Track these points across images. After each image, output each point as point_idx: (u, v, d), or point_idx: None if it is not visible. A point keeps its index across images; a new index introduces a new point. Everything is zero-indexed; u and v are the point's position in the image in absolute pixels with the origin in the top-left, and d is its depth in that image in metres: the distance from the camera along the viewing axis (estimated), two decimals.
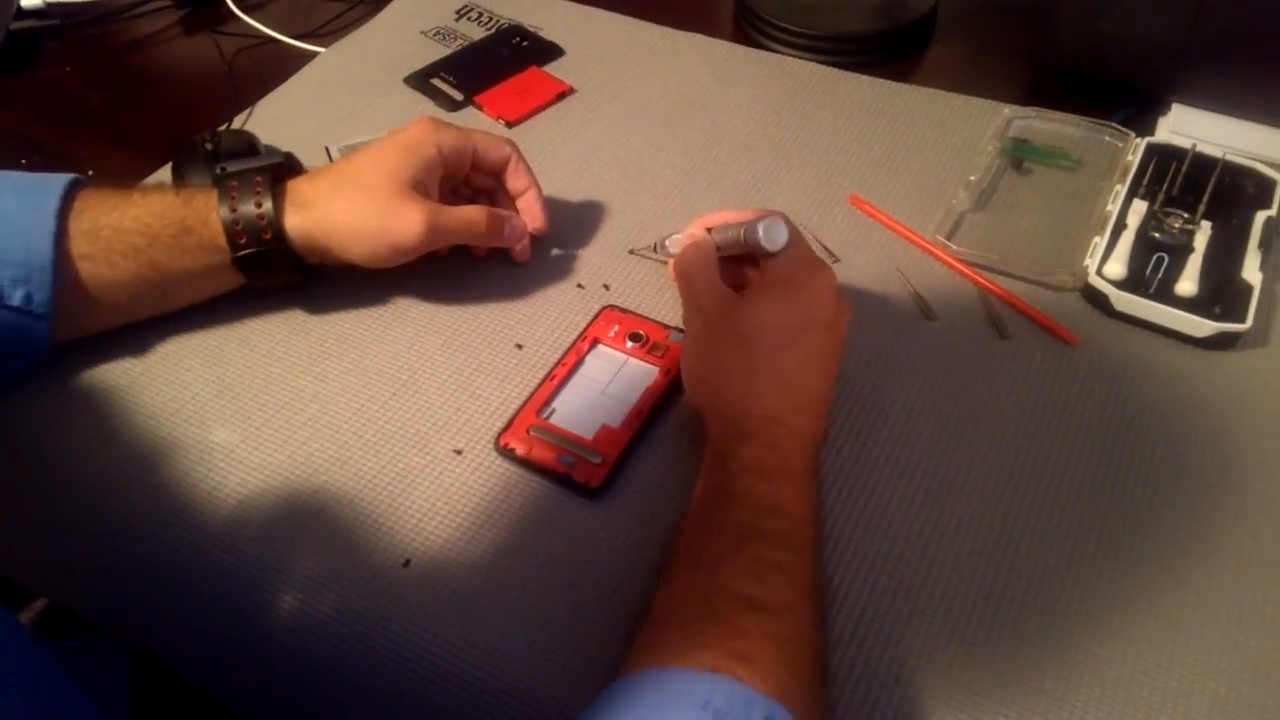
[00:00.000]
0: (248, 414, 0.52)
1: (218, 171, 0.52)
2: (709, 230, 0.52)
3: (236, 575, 0.46)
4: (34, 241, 0.49)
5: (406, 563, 0.46)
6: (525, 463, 0.49)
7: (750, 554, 0.40)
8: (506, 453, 0.49)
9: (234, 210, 0.50)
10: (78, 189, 0.51)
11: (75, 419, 0.52)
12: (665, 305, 0.57)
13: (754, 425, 0.44)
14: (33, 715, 0.39)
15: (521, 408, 0.51)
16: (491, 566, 0.45)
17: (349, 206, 0.51)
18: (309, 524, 0.47)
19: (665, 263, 0.59)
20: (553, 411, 0.51)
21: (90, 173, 0.58)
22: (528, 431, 0.49)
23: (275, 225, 0.50)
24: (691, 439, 0.50)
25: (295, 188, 0.52)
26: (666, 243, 0.57)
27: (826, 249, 0.60)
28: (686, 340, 0.50)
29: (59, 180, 0.51)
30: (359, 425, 0.51)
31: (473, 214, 0.54)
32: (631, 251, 0.59)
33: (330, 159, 0.67)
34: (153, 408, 0.52)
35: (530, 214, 0.58)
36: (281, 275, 0.53)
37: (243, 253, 0.51)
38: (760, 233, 0.48)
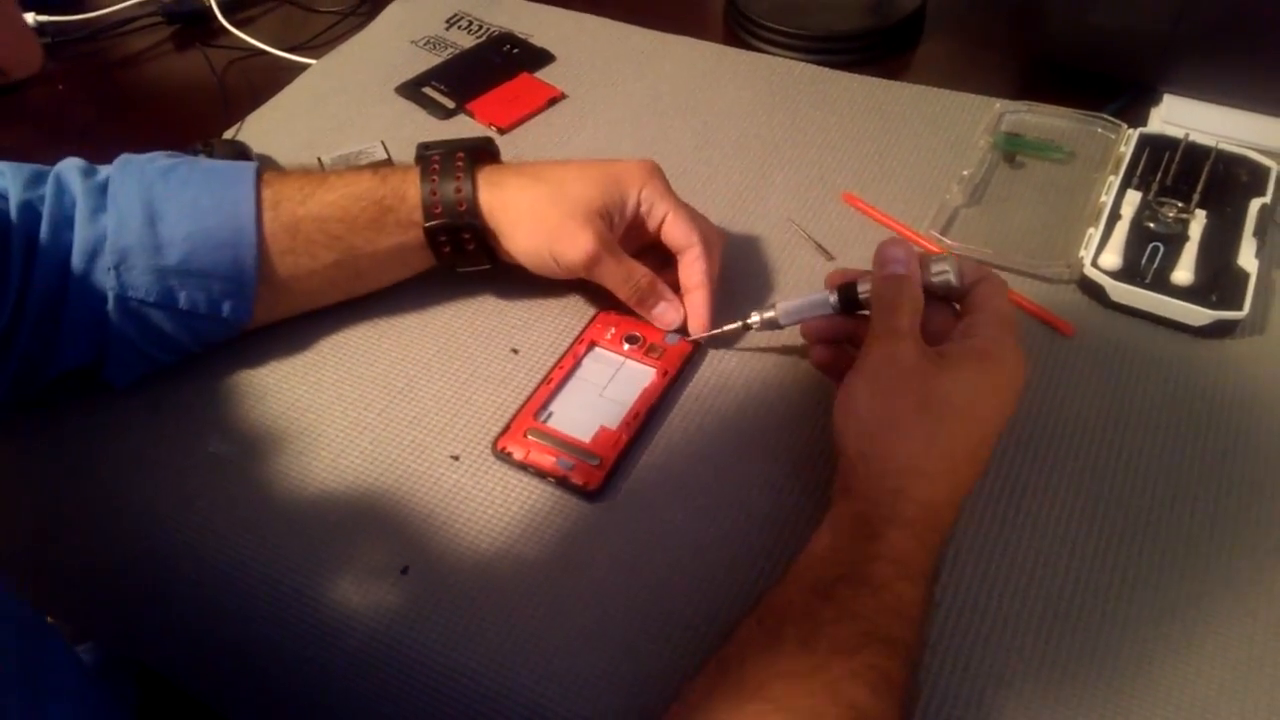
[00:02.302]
0: (244, 424, 0.52)
1: (420, 148, 0.53)
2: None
3: (235, 585, 0.46)
4: (241, 255, 0.49)
5: (405, 569, 0.45)
6: (523, 466, 0.48)
7: (871, 658, 0.36)
8: (504, 457, 0.49)
9: (434, 185, 0.51)
10: (264, 177, 0.51)
11: (72, 439, 0.52)
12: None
13: (911, 511, 0.40)
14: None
15: (518, 411, 0.51)
16: (491, 571, 0.45)
17: (535, 204, 0.51)
18: (306, 533, 0.47)
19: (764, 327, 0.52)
20: (550, 415, 0.51)
21: None
22: (525, 435, 0.49)
23: (471, 200, 0.51)
24: (691, 441, 0.50)
25: (496, 170, 0.52)
26: (775, 312, 0.51)
27: (821, 247, 0.60)
28: (858, 380, 0.44)
29: (246, 173, 0.51)
30: (355, 433, 0.51)
31: (636, 273, 0.52)
32: (747, 326, 0.52)
33: (323, 169, 0.67)
34: (148, 420, 0.52)
35: (692, 312, 0.54)
36: (471, 256, 0.53)
37: (434, 222, 0.51)
38: (950, 275, 0.45)
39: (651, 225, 0.53)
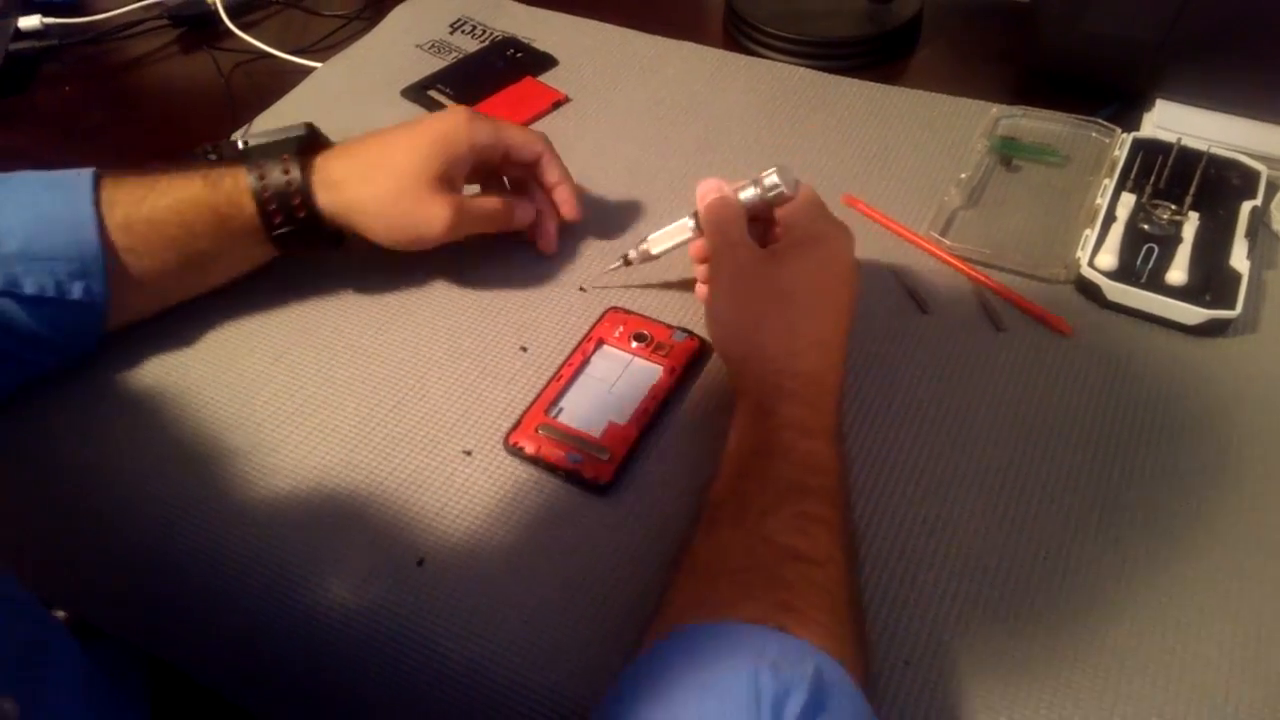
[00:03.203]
0: (258, 420, 0.52)
1: (240, 145, 0.53)
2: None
3: (249, 579, 0.47)
4: (82, 236, 0.50)
5: (420, 561, 0.46)
6: (534, 461, 0.49)
7: (795, 508, 0.41)
8: (516, 451, 0.50)
9: (265, 191, 0.52)
10: (101, 180, 0.52)
11: (82, 431, 0.53)
12: (668, 306, 0.58)
13: (795, 384, 0.45)
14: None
15: (529, 407, 0.51)
16: (504, 563, 0.46)
17: (378, 194, 0.53)
18: (321, 526, 0.48)
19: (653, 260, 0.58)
20: (560, 410, 0.51)
21: None
22: (536, 430, 0.50)
23: (308, 203, 0.52)
24: (698, 436, 0.51)
25: (325, 166, 0.53)
26: (647, 244, 0.57)
27: None
28: (716, 294, 0.50)
29: (83, 174, 0.51)
30: (368, 429, 0.52)
31: (493, 205, 0.57)
32: (627, 261, 0.58)
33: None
34: (162, 416, 0.53)
35: (564, 204, 0.59)
36: (316, 247, 0.55)
37: (279, 230, 0.53)
38: (776, 177, 0.51)
39: (496, 157, 0.56)
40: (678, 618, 0.38)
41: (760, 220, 0.53)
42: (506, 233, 0.59)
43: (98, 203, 0.50)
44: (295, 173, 0.52)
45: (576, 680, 0.42)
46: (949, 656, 0.42)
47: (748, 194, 0.52)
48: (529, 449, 0.49)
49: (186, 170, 0.53)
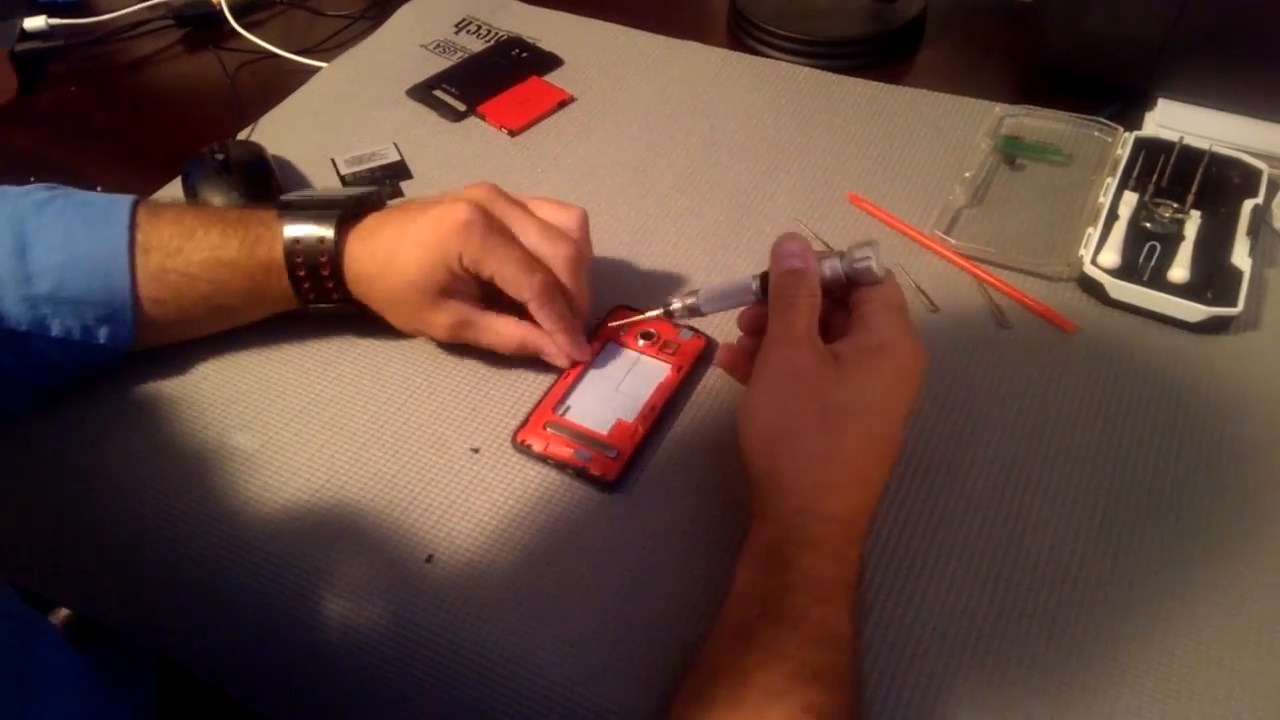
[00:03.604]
0: (266, 419, 0.53)
1: (280, 203, 0.52)
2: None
3: (259, 578, 0.47)
4: (113, 283, 0.49)
5: (429, 558, 0.46)
6: (542, 458, 0.50)
7: (803, 698, 0.35)
8: (524, 449, 0.50)
9: (300, 270, 0.51)
10: (138, 216, 0.51)
11: (93, 432, 0.53)
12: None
13: (823, 529, 0.39)
14: None
15: (537, 405, 0.52)
16: (512, 560, 0.46)
17: (388, 297, 0.52)
18: (330, 524, 0.48)
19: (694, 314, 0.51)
20: (568, 408, 0.52)
21: (99, 188, 0.59)
22: (544, 428, 0.51)
23: (340, 286, 0.51)
24: (705, 433, 0.51)
25: (354, 249, 0.51)
26: (696, 300, 0.50)
27: (827, 245, 0.61)
28: (758, 390, 0.43)
29: (120, 209, 0.51)
30: (376, 427, 0.52)
31: (505, 330, 0.51)
32: (668, 313, 0.51)
33: (336, 170, 0.68)
34: (171, 415, 0.53)
35: (553, 355, 0.52)
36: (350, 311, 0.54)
37: (315, 306, 0.52)
38: (870, 253, 0.43)
39: (487, 279, 0.50)
40: None
41: (829, 298, 0.45)
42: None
43: (132, 245, 0.50)
44: (329, 253, 0.50)
45: (586, 676, 0.42)
46: (955, 648, 0.43)
47: (829, 266, 0.45)
48: (537, 446, 0.50)
49: (223, 219, 0.51)
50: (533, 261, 0.49)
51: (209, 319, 0.53)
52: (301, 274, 0.51)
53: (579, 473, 0.49)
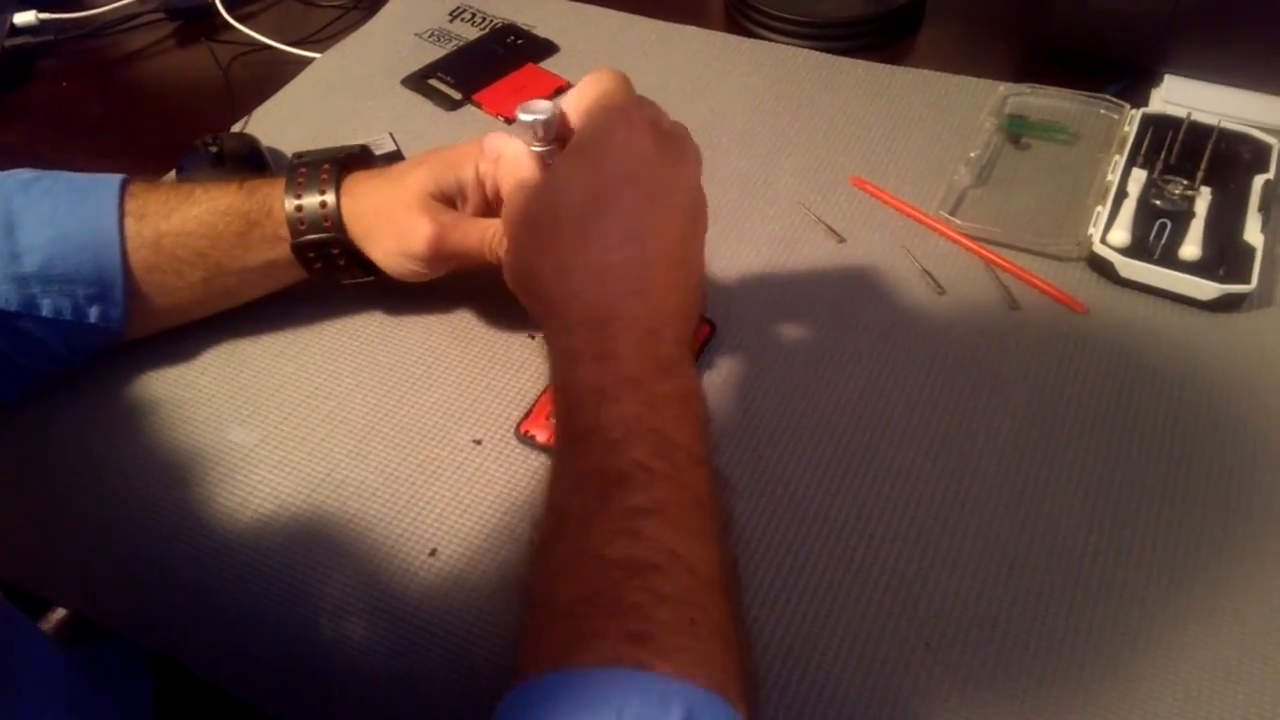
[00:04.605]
0: (264, 413, 0.52)
1: (292, 158, 0.52)
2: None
3: (259, 573, 0.47)
4: (103, 257, 0.48)
5: (433, 552, 0.46)
6: (547, 449, 0.49)
7: (616, 506, 0.34)
8: (527, 440, 0.49)
9: (299, 197, 0.49)
10: (129, 189, 0.50)
11: (89, 428, 0.52)
12: None
13: (577, 336, 0.38)
14: None
15: (541, 394, 0.51)
16: (516, 553, 0.45)
17: (380, 206, 0.49)
18: (331, 519, 0.47)
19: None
20: None
21: None
22: (548, 418, 0.50)
23: (335, 214, 0.49)
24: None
25: (356, 178, 0.50)
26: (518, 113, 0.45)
27: (832, 229, 0.61)
28: (503, 217, 0.44)
29: (110, 184, 0.50)
30: (376, 420, 0.51)
31: (486, 229, 0.48)
32: (529, 436, 0.50)
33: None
34: (169, 410, 0.52)
35: None
36: (344, 270, 0.52)
37: (300, 239, 0.49)
38: (542, 114, 0.42)
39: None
40: (528, 662, 0.32)
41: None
42: None
43: (122, 217, 0.49)
44: (330, 183, 0.49)
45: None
46: (969, 633, 0.42)
47: (520, 133, 0.43)
48: (541, 437, 0.49)
49: (224, 182, 0.51)
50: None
51: (205, 286, 0.51)
52: (298, 199, 0.49)
53: None
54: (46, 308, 0.49)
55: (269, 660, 0.49)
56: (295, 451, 0.50)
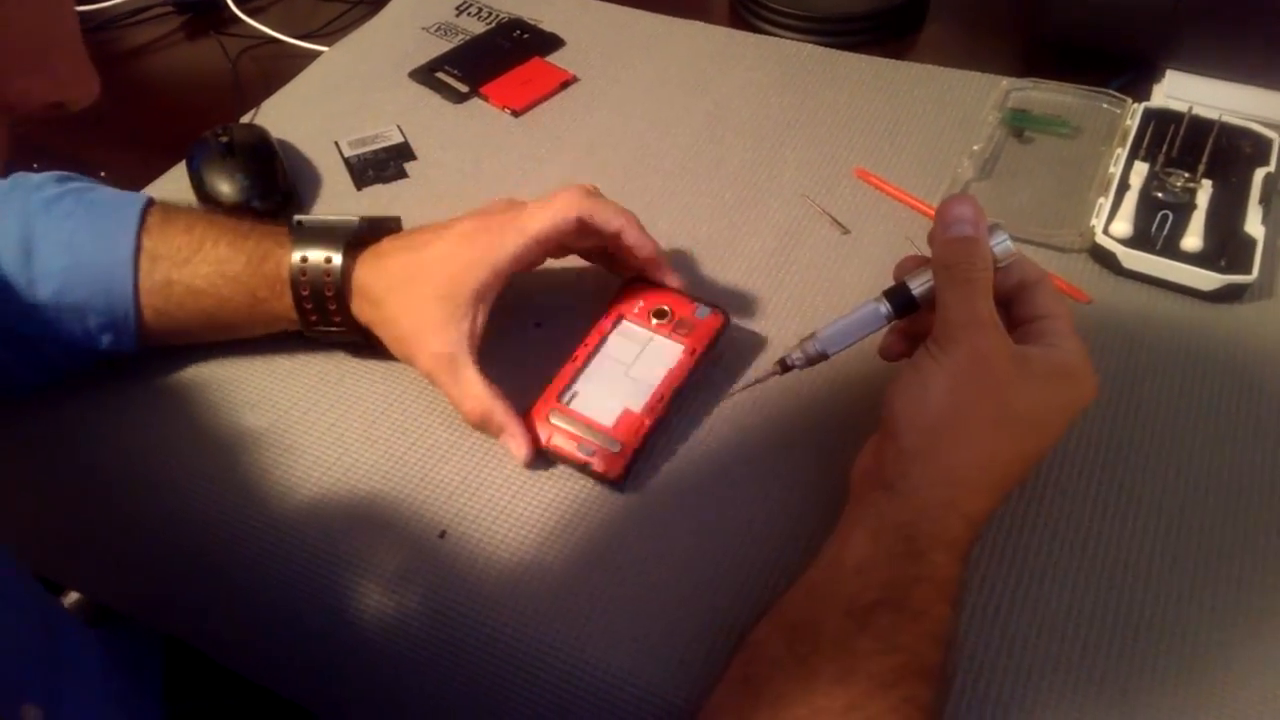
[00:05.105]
0: (276, 398, 0.52)
1: (294, 223, 0.51)
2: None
3: (272, 555, 0.47)
4: (115, 291, 0.49)
5: (442, 534, 0.46)
6: (545, 452, 0.49)
7: (907, 690, 0.35)
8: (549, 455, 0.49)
9: (304, 289, 0.49)
10: (148, 219, 0.50)
11: (103, 415, 0.53)
12: (695, 273, 0.57)
13: (958, 528, 0.38)
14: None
15: (543, 392, 0.50)
16: (524, 535, 0.46)
17: (396, 312, 0.49)
18: (341, 501, 0.48)
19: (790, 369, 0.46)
20: (574, 395, 0.50)
21: (103, 174, 0.59)
22: (548, 418, 0.49)
23: (344, 309, 0.50)
24: (722, 421, 0.51)
25: (362, 276, 0.50)
26: (817, 341, 0.45)
27: (836, 221, 0.61)
28: (942, 364, 0.40)
29: (130, 212, 0.50)
30: (385, 405, 0.52)
31: (478, 391, 0.48)
32: (785, 368, 0.46)
33: (341, 153, 0.68)
34: (181, 397, 0.53)
35: (660, 272, 0.52)
36: (347, 343, 0.53)
37: (315, 330, 0.51)
38: (1009, 241, 0.41)
39: (554, 249, 0.51)
40: None
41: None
42: None
43: (138, 253, 0.49)
44: (335, 275, 0.49)
45: (601, 646, 0.42)
46: (974, 618, 0.43)
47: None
48: (541, 437, 0.49)
49: (234, 232, 0.51)
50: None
51: (209, 333, 0.52)
52: (305, 293, 0.49)
53: (583, 468, 0.48)
54: (58, 332, 0.49)
55: (279, 641, 0.50)
56: (306, 436, 0.51)
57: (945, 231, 0.42)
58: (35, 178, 0.52)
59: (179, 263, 0.50)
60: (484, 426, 0.49)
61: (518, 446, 0.48)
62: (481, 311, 0.49)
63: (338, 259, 0.49)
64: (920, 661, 0.36)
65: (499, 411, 0.48)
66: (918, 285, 0.44)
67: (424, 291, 0.48)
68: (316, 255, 0.49)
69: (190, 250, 0.50)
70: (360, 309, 0.50)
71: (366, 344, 0.52)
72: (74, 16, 0.31)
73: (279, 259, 0.50)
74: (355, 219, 0.51)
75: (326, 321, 0.50)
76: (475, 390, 0.48)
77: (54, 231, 0.49)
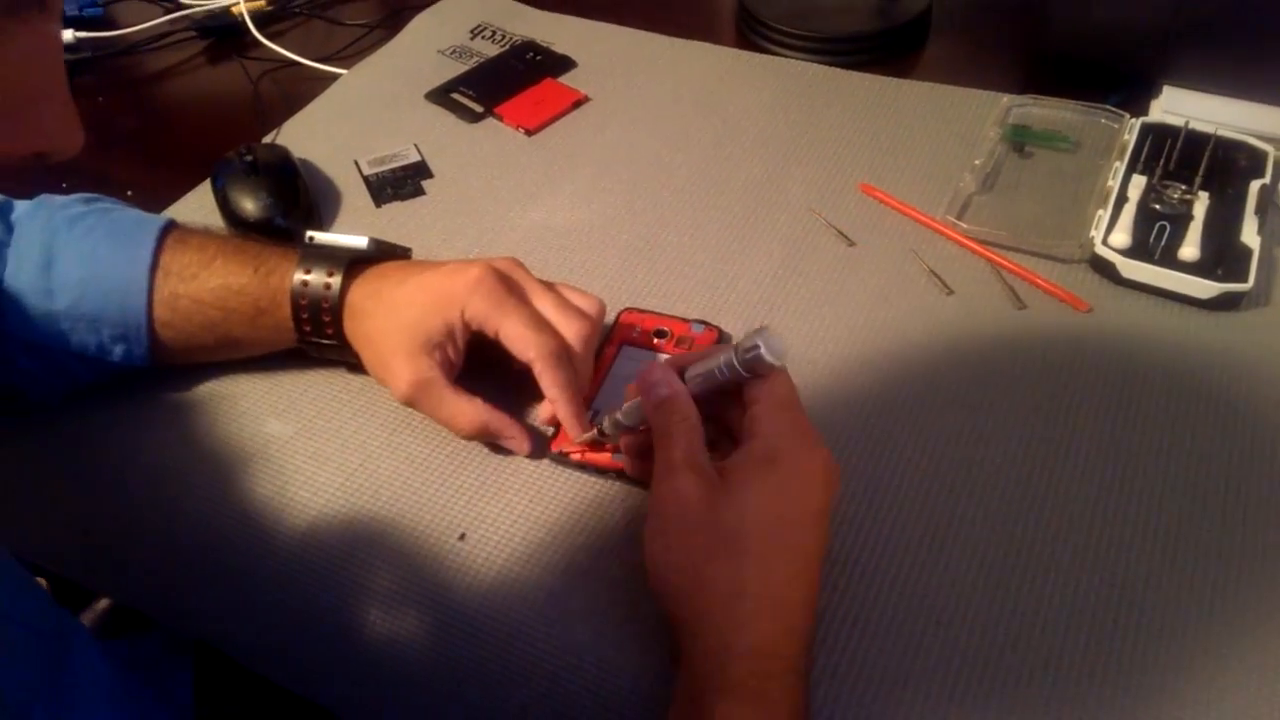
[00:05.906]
0: (299, 406, 0.54)
1: (306, 238, 0.53)
2: (683, 376, 0.43)
3: (296, 559, 0.49)
4: (129, 303, 0.51)
5: (462, 536, 0.48)
6: (581, 466, 0.50)
7: None
8: (562, 459, 0.50)
9: (303, 299, 0.51)
10: (166, 239, 0.52)
11: (130, 423, 0.54)
12: (680, 300, 0.59)
13: (738, 669, 0.36)
14: None
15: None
16: (543, 538, 0.47)
17: (370, 333, 0.50)
18: (364, 506, 0.49)
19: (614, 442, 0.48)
20: (595, 413, 0.51)
21: (129, 193, 0.61)
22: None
23: (338, 325, 0.51)
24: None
25: (355, 295, 0.51)
26: (619, 415, 0.46)
27: (842, 234, 0.63)
28: (651, 531, 0.40)
29: (151, 230, 0.52)
30: (406, 413, 0.53)
31: (465, 410, 0.49)
32: (562, 454, 0.50)
33: (360, 172, 0.70)
34: (207, 405, 0.55)
35: (564, 423, 0.49)
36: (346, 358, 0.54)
37: (309, 340, 0.52)
38: (760, 349, 0.39)
39: (491, 338, 0.49)
40: None
41: (729, 397, 0.42)
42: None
43: (154, 269, 0.51)
44: (333, 295, 0.50)
45: (617, 653, 0.43)
46: (978, 614, 0.44)
47: (718, 366, 0.41)
48: (575, 455, 0.50)
49: (245, 251, 0.52)
50: (543, 322, 0.48)
51: (214, 348, 0.54)
52: (303, 303, 0.51)
53: (620, 474, 0.49)
54: (74, 343, 0.51)
55: (306, 645, 0.51)
56: (330, 443, 0.52)
57: (646, 399, 0.42)
58: (61, 199, 0.54)
59: (186, 278, 0.51)
60: (481, 436, 0.50)
61: (519, 444, 0.50)
62: (452, 346, 0.49)
63: (339, 276, 0.51)
64: None
65: (491, 418, 0.49)
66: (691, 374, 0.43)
67: (404, 316, 0.49)
68: (320, 270, 0.51)
69: (200, 266, 0.52)
70: (349, 327, 0.51)
71: (359, 361, 0.53)
72: (62, 68, 0.31)
73: (284, 272, 0.51)
74: (365, 241, 0.53)
75: (320, 334, 0.52)
76: (460, 407, 0.49)
77: (75, 245, 0.51)
